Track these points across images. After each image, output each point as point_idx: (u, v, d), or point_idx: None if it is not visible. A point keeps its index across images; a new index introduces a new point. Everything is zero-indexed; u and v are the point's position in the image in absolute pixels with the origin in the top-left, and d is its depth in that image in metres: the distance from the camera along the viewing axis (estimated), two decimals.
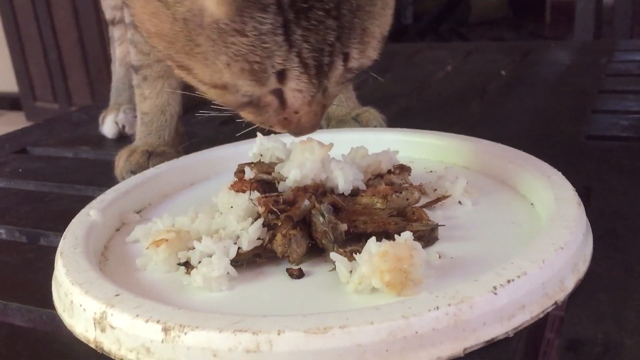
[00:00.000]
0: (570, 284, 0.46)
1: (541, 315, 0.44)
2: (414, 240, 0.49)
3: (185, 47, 0.49)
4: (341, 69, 0.50)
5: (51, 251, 0.55)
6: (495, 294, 0.42)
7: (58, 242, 0.56)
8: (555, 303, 0.45)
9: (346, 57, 0.50)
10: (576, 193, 0.55)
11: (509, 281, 0.43)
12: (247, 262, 0.52)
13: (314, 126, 0.54)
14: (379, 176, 0.62)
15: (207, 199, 0.61)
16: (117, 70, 1.03)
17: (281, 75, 0.48)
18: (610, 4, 1.76)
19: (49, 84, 3.34)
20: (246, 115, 0.53)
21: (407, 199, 0.57)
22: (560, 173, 0.59)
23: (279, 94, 0.50)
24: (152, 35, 0.51)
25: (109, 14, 1.01)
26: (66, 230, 0.57)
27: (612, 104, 0.97)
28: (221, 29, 0.46)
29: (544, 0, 4.35)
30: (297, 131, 0.54)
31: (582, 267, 0.49)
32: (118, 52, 1.02)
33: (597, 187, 0.65)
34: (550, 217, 0.52)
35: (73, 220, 0.59)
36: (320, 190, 0.56)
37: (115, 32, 1.02)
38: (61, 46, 3.23)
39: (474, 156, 0.70)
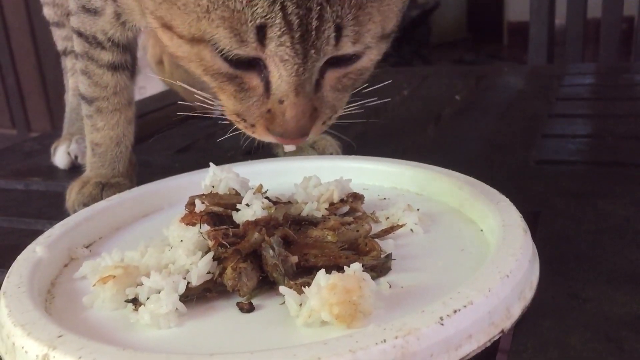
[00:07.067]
0: (516, 312, 0.47)
1: (488, 344, 0.44)
2: (366, 271, 0.49)
3: None
4: (332, 44, 0.45)
5: None
6: (442, 324, 0.42)
7: (4, 278, 0.54)
8: (502, 331, 0.45)
9: (338, 31, 0.45)
10: (523, 219, 0.56)
11: (455, 311, 0.43)
12: (197, 297, 0.51)
13: (301, 128, 0.49)
14: (331, 204, 0.63)
15: (160, 232, 0.60)
16: (70, 100, 1.02)
17: (261, 32, 0.44)
18: (563, 28, 1.82)
19: (7, 110, 3.27)
20: (227, 100, 0.50)
21: (358, 231, 0.57)
22: (508, 199, 0.60)
23: (265, 78, 0.47)
24: None
25: (60, 44, 1.00)
26: (11, 268, 0.55)
27: (561, 128, 1.00)
28: None
29: (501, 22, 4.47)
30: (283, 131, 0.49)
31: (529, 294, 0.49)
32: (71, 82, 1.01)
33: (545, 211, 0.66)
34: (497, 244, 0.53)
35: (18, 257, 0.57)
36: (272, 224, 0.56)
37: (67, 63, 1.01)
38: (19, 71, 3.17)
39: (426, 183, 0.71)
